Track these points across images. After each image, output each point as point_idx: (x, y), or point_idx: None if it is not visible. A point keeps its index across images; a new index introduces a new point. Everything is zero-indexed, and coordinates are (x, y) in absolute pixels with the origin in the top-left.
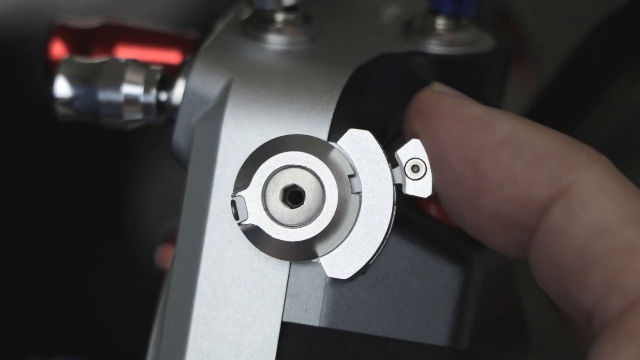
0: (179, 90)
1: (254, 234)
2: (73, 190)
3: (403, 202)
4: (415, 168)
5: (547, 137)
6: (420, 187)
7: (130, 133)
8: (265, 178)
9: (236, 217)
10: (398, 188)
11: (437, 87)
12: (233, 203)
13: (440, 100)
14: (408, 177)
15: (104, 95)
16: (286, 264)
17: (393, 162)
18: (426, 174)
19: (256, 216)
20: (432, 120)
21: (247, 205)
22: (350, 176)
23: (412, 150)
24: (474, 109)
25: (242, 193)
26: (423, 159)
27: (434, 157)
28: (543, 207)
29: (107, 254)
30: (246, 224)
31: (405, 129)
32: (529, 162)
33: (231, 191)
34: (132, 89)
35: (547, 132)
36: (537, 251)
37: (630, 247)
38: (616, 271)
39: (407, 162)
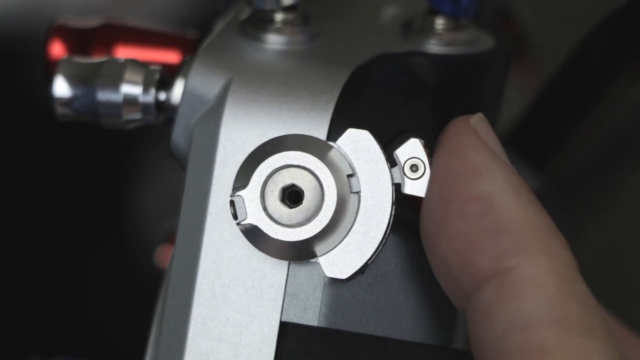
0: (178, 90)
1: (253, 234)
2: (73, 190)
3: (402, 201)
4: (414, 167)
5: (519, 211)
6: (419, 187)
7: (130, 133)
8: (264, 178)
9: (235, 217)
10: (397, 187)
11: (474, 119)
12: (232, 203)
13: (462, 133)
14: (407, 177)
15: (103, 95)
16: (285, 263)
17: (392, 162)
18: (425, 174)
19: (255, 216)
20: (440, 150)
21: (245, 205)
22: (349, 176)
23: (411, 150)
24: (478, 155)
25: (240, 193)
26: (422, 159)
27: (429, 183)
28: (482, 278)
29: (107, 254)
30: (245, 224)
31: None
32: (486, 228)
33: (230, 191)
34: (131, 88)
35: (524, 207)
36: (470, 322)
37: (543, 348)
38: None
39: (405, 161)
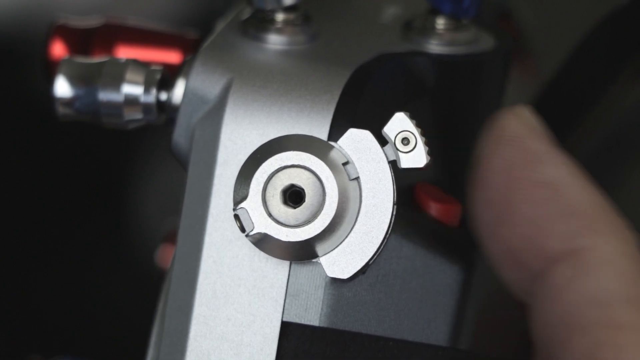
0: (179, 90)
1: (263, 241)
2: (73, 190)
3: (404, 201)
4: (405, 141)
5: (585, 194)
6: (414, 158)
7: (131, 133)
8: (262, 185)
9: (242, 229)
10: (393, 165)
11: (522, 110)
12: (236, 217)
13: (514, 123)
14: (400, 152)
15: (104, 95)
16: (286, 263)
17: (382, 141)
18: (417, 144)
19: (262, 224)
20: (494, 142)
21: (250, 215)
22: (344, 164)
23: (399, 124)
24: (536, 143)
25: (243, 205)
26: (411, 131)
27: (480, 176)
28: (553, 258)
29: (107, 254)
30: (254, 234)
31: (479, 139)
32: (557, 211)
33: (231, 191)
34: (132, 88)
35: (588, 190)
36: (535, 301)
37: (619, 324)
38: (599, 343)
39: (396, 136)
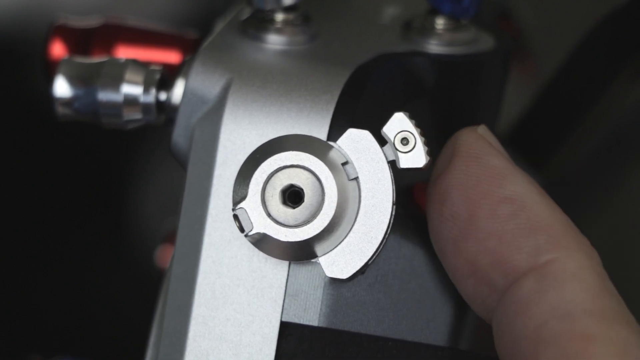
0: (178, 90)
1: (262, 241)
2: (73, 190)
3: (403, 201)
4: (404, 141)
5: (549, 211)
6: (413, 158)
7: (130, 133)
8: (261, 185)
9: (241, 229)
10: (392, 165)
11: (481, 129)
12: (235, 217)
13: (473, 141)
14: (399, 151)
15: (104, 95)
16: (285, 263)
17: (382, 141)
18: (417, 144)
19: (261, 224)
20: (457, 158)
21: (249, 215)
22: (344, 164)
23: (398, 124)
24: (496, 160)
25: (242, 205)
26: (411, 131)
27: (442, 191)
28: (516, 273)
29: (107, 254)
30: (253, 234)
31: (440, 155)
32: (521, 226)
33: (230, 191)
34: (131, 89)
35: (551, 207)
36: (500, 318)
37: (587, 335)
38: (567, 355)
39: (395, 136)
